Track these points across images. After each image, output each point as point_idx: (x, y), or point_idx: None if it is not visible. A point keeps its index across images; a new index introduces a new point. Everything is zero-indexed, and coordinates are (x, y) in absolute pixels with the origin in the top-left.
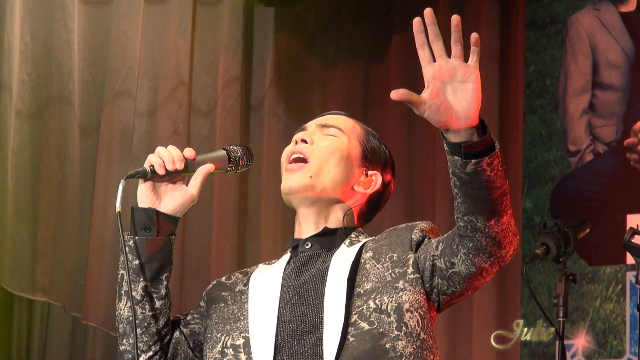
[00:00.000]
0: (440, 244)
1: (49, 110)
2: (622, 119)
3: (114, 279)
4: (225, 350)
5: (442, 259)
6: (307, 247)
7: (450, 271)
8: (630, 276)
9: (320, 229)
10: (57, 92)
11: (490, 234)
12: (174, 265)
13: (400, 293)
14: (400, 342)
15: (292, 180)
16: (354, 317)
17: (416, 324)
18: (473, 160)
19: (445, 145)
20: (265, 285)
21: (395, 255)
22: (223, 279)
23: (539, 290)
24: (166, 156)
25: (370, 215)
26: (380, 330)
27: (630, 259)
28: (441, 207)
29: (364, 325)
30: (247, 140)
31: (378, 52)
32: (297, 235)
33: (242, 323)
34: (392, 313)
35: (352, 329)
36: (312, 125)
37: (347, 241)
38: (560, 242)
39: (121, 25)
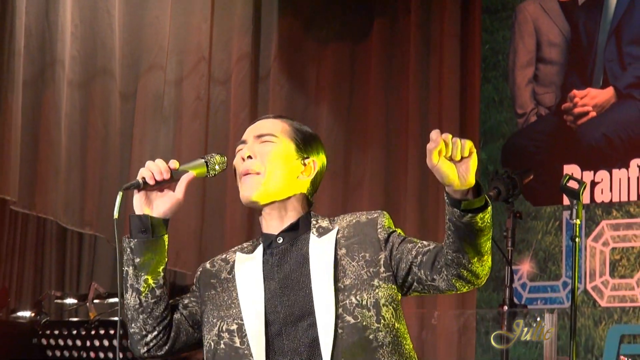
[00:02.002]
0: (421, 256)
1: (95, 81)
2: (560, 88)
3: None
4: (221, 334)
5: (422, 271)
6: (279, 242)
7: (430, 283)
8: (566, 214)
9: (284, 221)
10: (101, 65)
11: (472, 269)
12: (197, 205)
13: (377, 290)
14: (380, 334)
15: (248, 192)
16: (340, 310)
17: (391, 316)
18: (470, 214)
19: (446, 197)
20: (250, 275)
21: (367, 255)
22: (207, 265)
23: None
24: (154, 169)
25: (315, 190)
26: (364, 323)
27: (566, 200)
28: (413, 166)
29: (350, 319)
30: (256, 105)
31: (362, 36)
32: (265, 230)
33: (234, 311)
34: (371, 308)
35: (340, 321)
36: (249, 137)
37: (313, 230)
38: (509, 186)
39: (153, 11)
